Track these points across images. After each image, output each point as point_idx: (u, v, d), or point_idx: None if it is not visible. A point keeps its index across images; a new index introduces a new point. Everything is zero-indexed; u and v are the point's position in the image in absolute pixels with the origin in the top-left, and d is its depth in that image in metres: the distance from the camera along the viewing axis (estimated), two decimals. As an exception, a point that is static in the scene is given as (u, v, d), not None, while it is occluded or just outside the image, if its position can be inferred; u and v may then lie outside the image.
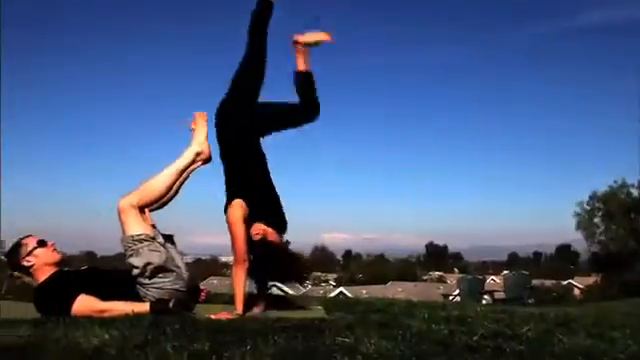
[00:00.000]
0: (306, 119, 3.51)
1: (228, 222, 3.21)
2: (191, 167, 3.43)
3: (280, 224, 3.36)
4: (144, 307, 2.99)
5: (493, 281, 32.13)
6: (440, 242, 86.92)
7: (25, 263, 3.09)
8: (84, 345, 2.09)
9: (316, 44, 3.51)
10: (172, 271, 3.15)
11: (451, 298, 19.49)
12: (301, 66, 3.48)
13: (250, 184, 3.32)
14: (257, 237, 3.19)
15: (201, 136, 3.46)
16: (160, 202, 3.33)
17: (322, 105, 3.51)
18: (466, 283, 13.27)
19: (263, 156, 3.42)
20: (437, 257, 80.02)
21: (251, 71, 3.39)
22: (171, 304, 3.01)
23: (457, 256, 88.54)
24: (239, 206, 3.21)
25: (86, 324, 2.52)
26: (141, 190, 3.24)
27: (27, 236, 3.19)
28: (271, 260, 3.26)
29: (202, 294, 3.61)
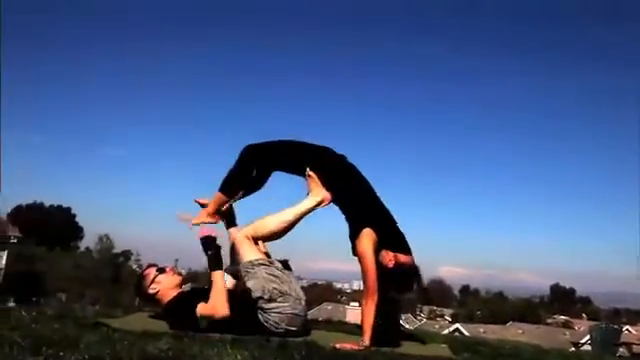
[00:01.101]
0: None
1: (359, 253, 3.22)
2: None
3: (405, 244, 3.35)
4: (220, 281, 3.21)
5: (628, 332, 29.26)
6: (567, 284, 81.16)
7: (151, 291, 3.32)
8: (217, 363, 2.18)
9: None
10: (290, 295, 3.21)
11: (580, 346, 18.00)
12: None
13: (371, 210, 3.35)
14: (391, 263, 3.22)
15: (320, 190, 3.47)
16: (272, 239, 3.46)
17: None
18: (599, 332, 12.21)
19: (365, 180, 3.46)
20: (563, 300, 74.59)
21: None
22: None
23: (586, 300, 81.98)
24: (369, 236, 3.22)
25: (219, 343, 2.63)
26: (257, 225, 3.38)
27: (147, 267, 3.48)
28: (413, 281, 3.35)
29: None
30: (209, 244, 3.34)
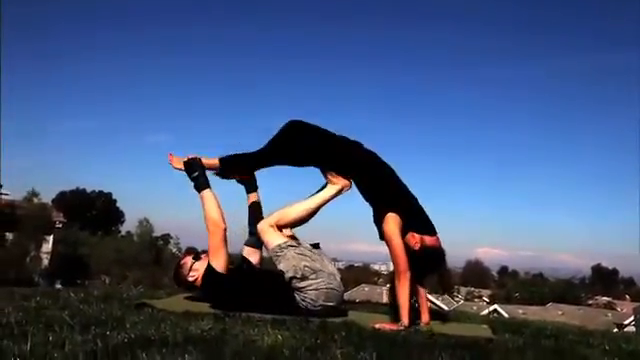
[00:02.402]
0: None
1: (387, 237, 3.26)
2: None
3: (430, 225, 3.37)
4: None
5: (675, 312, 28.46)
6: (609, 265, 79.29)
7: (190, 279, 3.39)
8: (258, 343, 2.21)
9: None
10: (323, 271, 3.24)
11: (624, 328, 17.63)
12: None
13: (396, 193, 3.39)
14: (417, 246, 3.24)
15: (338, 177, 3.48)
16: (295, 226, 3.49)
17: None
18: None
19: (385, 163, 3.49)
20: (605, 281, 73.00)
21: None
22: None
23: (629, 281, 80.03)
24: (394, 219, 3.26)
25: (259, 323, 2.67)
26: (281, 213, 3.43)
27: (183, 256, 3.57)
28: (440, 263, 3.38)
29: None
30: (194, 166, 3.42)
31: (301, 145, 3.51)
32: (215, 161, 3.55)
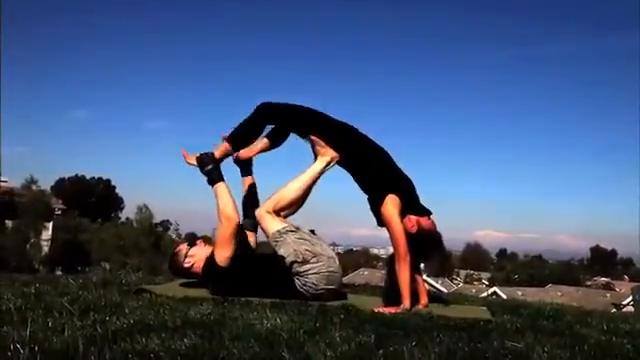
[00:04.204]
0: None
1: (386, 220, 3.26)
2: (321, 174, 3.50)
3: (424, 208, 3.38)
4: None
5: (673, 292, 28.62)
6: (608, 246, 79.53)
7: (186, 265, 3.39)
8: (258, 327, 2.22)
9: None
10: (323, 254, 3.25)
11: (622, 308, 17.74)
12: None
13: (393, 176, 3.40)
14: (414, 229, 3.25)
15: (326, 150, 3.46)
16: (294, 208, 3.47)
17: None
18: (642, 293, 11.98)
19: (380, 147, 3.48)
20: (604, 262, 73.28)
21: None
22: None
23: (628, 261, 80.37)
24: (393, 201, 3.26)
25: (258, 307, 2.68)
26: (276, 197, 3.41)
27: (177, 244, 3.58)
28: (437, 248, 3.46)
29: None
30: (207, 160, 3.39)
31: (298, 108, 3.54)
32: (225, 145, 3.48)
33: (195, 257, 3.38)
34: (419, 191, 3.43)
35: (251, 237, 3.60)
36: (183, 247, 3.44)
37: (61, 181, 48.36)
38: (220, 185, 3.36)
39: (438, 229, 3.40)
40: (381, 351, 1.93)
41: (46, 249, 26.98)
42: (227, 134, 3.50)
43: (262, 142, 3.60)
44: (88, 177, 51.85)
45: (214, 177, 3.37)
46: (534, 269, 52.57)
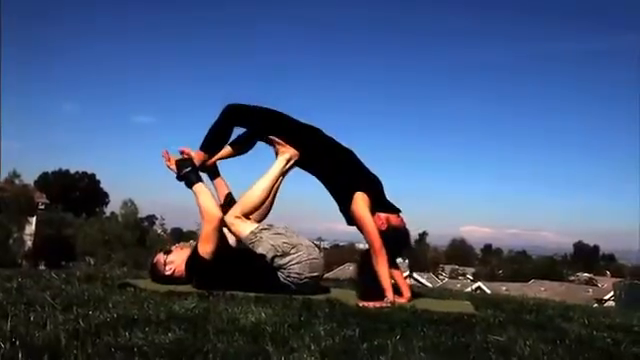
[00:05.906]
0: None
1: (357, 217, 3.29)
2: (283, 173, 3.52)
3: (392, 205, 3.42)
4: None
5: (653, 288, 29.06)
6: (591, 242, 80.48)
7: (168, 273, 3.37)
8: (242, 321, 2.22)
9: None
10: (301, 244, 3.28)
11: (604, 303, 17.98)
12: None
13: (359, 175, 3.44)
14: (384, 227, 3.29)
15: (285, 148, 3.48)
16: (261, 210, 3.48)
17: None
18: (623, 288, 12.17)
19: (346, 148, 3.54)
20: (587, 258, 74.15)
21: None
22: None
23: (610, 257, 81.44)
24: (363, 198, 3.30)
25: (243, 301, 2.68)
26: (242, 202, 3.42)
27: (154, 255, 3.53)
28: (406, 244, 3.52)
29: None
30: (185, 164, 3.41)
31: (260, 110, 3.55)
32: (200, 154, 3.53)
33: (174, 263, 3.37)
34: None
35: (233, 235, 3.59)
36: (160, 257, 3.43)
37: (44, 175, 47.82)
38: (199, 184, 3.38)
39: (407, 226, 3.46)
40: (365, 345, 1.94)
41: (29, 244, 26.74)
42: (185, 147, 3.55)
43: (226, 149, 3.63)
44: (72, 171, 51.40)
45: (192, 180, 3.38)
46: (518, 264, 53.12)
